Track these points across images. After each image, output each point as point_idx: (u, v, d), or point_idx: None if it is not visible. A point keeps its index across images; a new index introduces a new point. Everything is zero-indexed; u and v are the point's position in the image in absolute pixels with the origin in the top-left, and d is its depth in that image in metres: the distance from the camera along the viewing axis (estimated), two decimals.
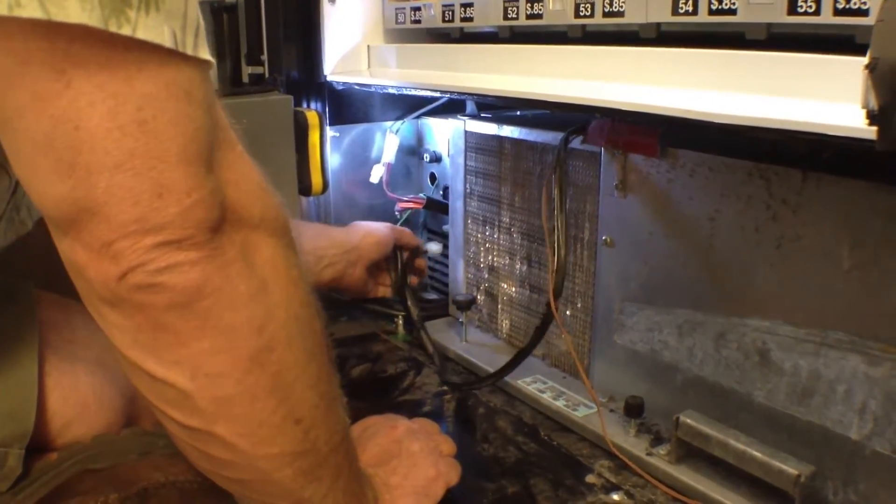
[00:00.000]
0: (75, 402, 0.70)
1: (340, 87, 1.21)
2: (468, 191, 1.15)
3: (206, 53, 0.48)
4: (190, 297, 0.49)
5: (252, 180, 0.54)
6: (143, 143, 0.45)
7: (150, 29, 0.44)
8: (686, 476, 0.79)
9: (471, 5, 1.00)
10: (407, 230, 1.27)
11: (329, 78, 1.21)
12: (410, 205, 1.28)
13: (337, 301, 1.26)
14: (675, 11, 0.74)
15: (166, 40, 0.45)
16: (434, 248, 1.28)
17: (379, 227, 1.23)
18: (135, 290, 0.48)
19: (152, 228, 0.46)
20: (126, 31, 0.43)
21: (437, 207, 1.27)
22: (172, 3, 0.45)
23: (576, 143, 0.92)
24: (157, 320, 0.49)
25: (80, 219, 0.46)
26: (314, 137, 1.17)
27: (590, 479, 0.83)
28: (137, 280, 0.47)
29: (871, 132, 0.51)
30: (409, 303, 1.18)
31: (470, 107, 1.23)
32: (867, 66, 0.50)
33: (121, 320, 0.50)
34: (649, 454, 0.83)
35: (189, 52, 0.46)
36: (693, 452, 0.79)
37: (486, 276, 1.15)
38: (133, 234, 0.46)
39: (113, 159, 0.45)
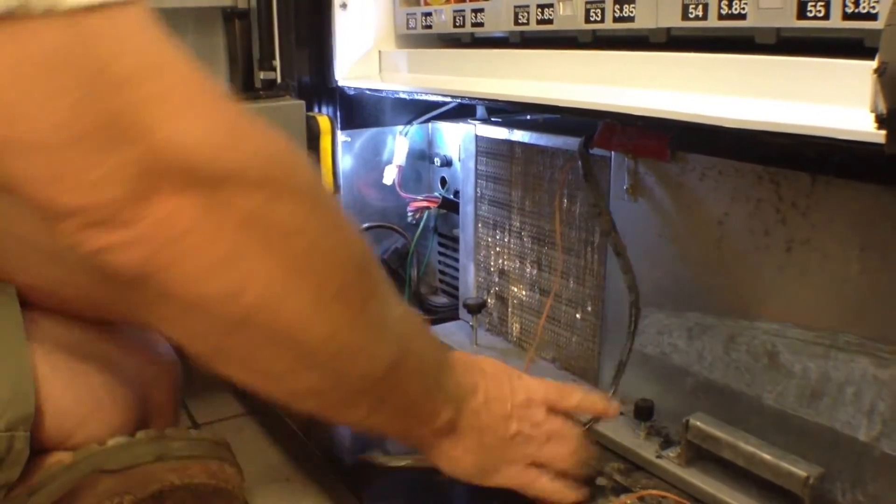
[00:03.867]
0: (89, 400, 0.70)
1: (352, 93, 1.22)
2: (479, 195, 1.16)
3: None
4: (143, 273, 0.45)
5: (212, 131, 0.45)
6: (12, 131, 0.40)
7: None
8: (696, 479, 0.79)
9: (481, 10, 1.01)
10: None
11: (340, 83, 1.21)
12: (424, 203, 1.28)
13: None
14: (685, 16, 0.74)
15: None
16: None
17: None
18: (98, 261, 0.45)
19: (63, 213, 0.42)
20: None
21: (452, 207, 1.26)
22: None
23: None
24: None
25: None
26: (325, 142, 1.18)
27: (600, 481, 0.83)
28: (89, 256, 0.44)
29: (880, 136, 0.51)
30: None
31: (480, 111, 1.23)
32: (876, 71, 0.50)
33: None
34: (659, 457, 0.83)
35: (39, 9, 0.37)
36: (703, 455, 0.80)
37: (497, 279, 1.15)
38: (57, 216, 0.43)
39: None
